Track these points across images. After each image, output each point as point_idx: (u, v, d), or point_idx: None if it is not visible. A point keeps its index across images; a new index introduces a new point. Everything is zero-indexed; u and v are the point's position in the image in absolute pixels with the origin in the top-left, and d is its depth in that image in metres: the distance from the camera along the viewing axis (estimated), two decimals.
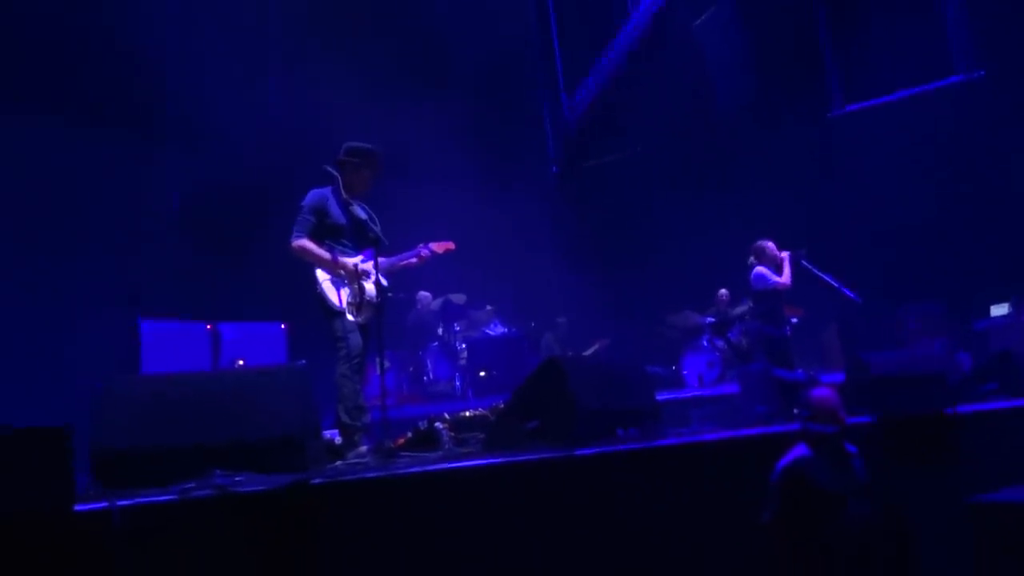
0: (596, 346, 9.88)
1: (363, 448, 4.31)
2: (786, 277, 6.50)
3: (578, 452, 3.55)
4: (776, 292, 6.55)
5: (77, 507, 2.50)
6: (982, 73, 9.58)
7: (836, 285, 6.84)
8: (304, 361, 3.92)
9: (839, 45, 10.69)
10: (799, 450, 3.36)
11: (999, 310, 9.03)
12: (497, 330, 9.54)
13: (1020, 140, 9.10)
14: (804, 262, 6.76)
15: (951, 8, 9.92)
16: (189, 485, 2.89)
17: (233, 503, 2.74)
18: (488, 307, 9.68)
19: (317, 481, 2.97)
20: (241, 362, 7.17)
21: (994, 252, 8.94)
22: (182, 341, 7.12)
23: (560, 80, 12.07)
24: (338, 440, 4.37)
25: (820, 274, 6.85)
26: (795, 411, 5.04)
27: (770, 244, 6.65)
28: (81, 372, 5.98)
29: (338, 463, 4.03)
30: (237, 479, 3.03)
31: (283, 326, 7.81)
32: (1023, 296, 8.79)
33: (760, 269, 6.56)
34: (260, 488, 2.82)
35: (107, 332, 7.03)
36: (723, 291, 9.33)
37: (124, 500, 2.61)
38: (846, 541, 3.22)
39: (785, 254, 6.58)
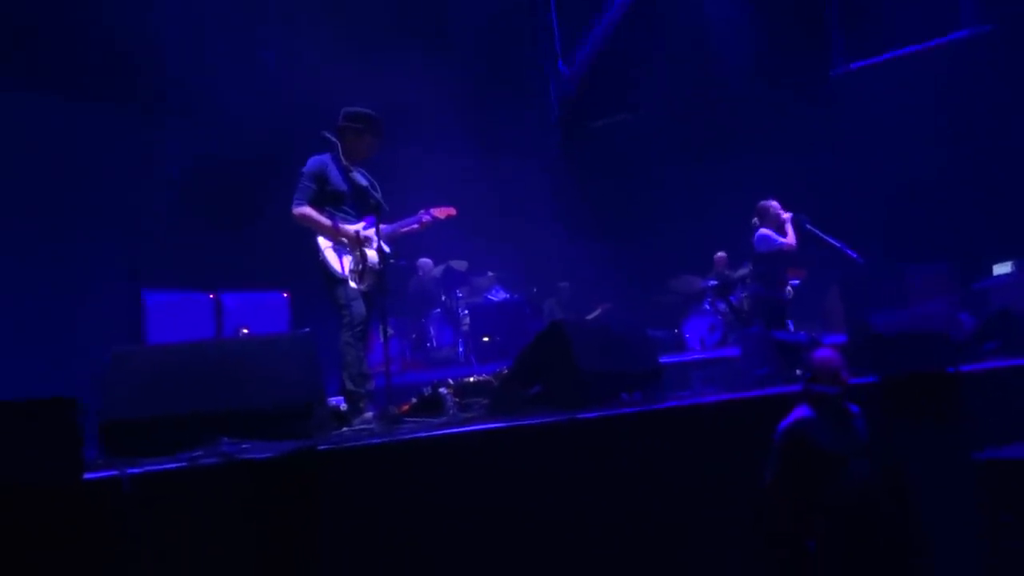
0: (599, 310, 9.90)
1: (368, 414, 4.35)
2: (791, 238, 6.50)
3: (581, 416, 3.58)
4: (780, 254, 6.56)
5: (87, 476, 2.53)
6: (989, 28, 9.40)
7: (839, 246, 6.83)
8: (308, 329, 3.93)
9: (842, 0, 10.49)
10: (801, 411, 3.38)
11: (1002, 269, 9.00)
12: (499, 296, 9.55)
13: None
14: (808, 225, 6.75)
15: None
16: (197, 453, 2.92)
17: (240, 470, 2.77)
18: (490, 273, 9.67)
19: (323, 448, 2.99)
20: (246, 331, 7.20)
21: (998, 211, 8.88)
22: (185, 311, 7.14)
23: (557, 45, 11.87)
24: (343, 407, 4.40)
25: (823, 236, 6.84)
26: (797, 372, 5.07)
27: (774, 204, 6.62)
28: (85, 344, 6.02)
29: (344, 430, 4.07)
30: (244, 446, 3.06)
31: (285, 295, 7.82)
32: None
33: (764, 231, 6.56)
34: (266, 455, 2.85)
35: (110, 304, 7.06)
36: (720, 254, 9.30)
37: (133, 468, 2.64)
38: (847, 501, 3.26)
39: (787, 215, 6.54)
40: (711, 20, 10.95)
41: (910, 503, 3.59)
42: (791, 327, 7.90)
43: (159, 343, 6.17)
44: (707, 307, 9.21)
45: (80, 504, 2.42)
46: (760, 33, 10.51)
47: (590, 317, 9.57)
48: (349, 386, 4.40)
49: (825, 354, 3.48)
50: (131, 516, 2.48)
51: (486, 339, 8.81)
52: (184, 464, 2.75)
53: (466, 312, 9.13)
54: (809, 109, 10.06)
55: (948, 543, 3.66)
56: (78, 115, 7.57)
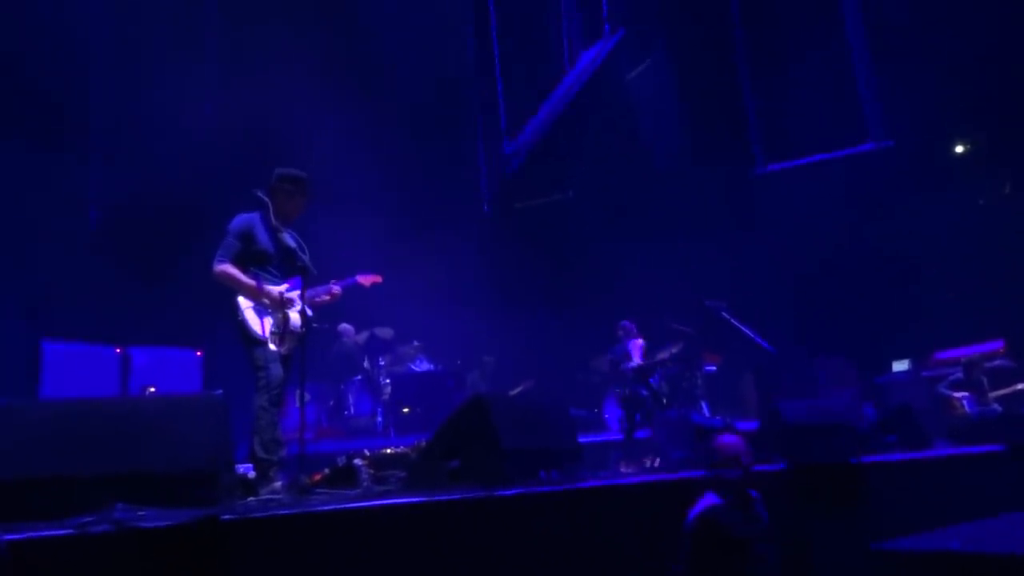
0: (521, 387, 9.88)
1: (277, 484, 4.16)
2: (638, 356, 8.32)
3: (500, 493, 3.53)
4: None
5: None
6: (892, 143, 10.29)
7: (752, 335, 7.17)
8: (221, 390, 3.78)
9: (763, 107, 11.33)
10: (709, 499, 3.43)
11: (900, 366, 9.56)
12: (422, 366, 9.43)
13: (923, 209, 9.78)
14: (724, 313, 7.09)
15: (863, 80, 10.68)
16: (87, 519, 2.71)
17: (135, 539, 2.58)
18: (415, 343, 9.57)
19: (227, 517, 2.84)
20: (152, 389, 6.83)
21: (897, 311, 9.50)
22: (88, 365, 6.74)
23: (503, 122, 12.28)
24: (252, 475, 4.20)
25: (738, 324, 7.17)
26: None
27: (632, 327, 8.50)
28: None
29: (250, 499, 3.88)
30: (140, 513, 2.87)
31: (199, 353, 7.50)
32: (921, 353, 9.35)
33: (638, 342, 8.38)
34: (164, 524, 2.68)
35: (4, 352, 6.60)
36: (639, 341, 9.52)
37: (12, 534, 2.43)
38: None
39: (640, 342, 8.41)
40: (644, 112, 11.57)
41: None
42: (706, 411, 8.12)
43: (54, 397, 5.79)
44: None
45: None
46: (687, 130, 11.18)
47: (512, 393, 9.54)
48: (260, 453, 4.22)
49: (728, 439, 3.57)
50: None
51: (406, 410, 8.64)
52: (71, 531, 2.55)
53: (388, 381, 8.96)
54: (730, 203, 10.65)
55: None
56: None
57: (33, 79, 7.35)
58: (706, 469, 3.55)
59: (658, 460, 6.09)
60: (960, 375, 8.49)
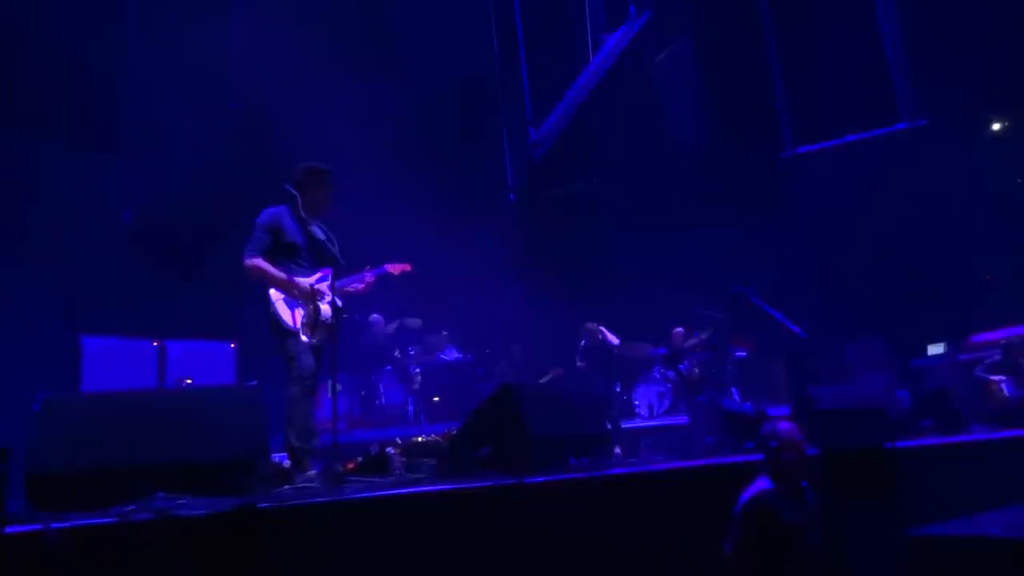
0: (551, 375, 9.90)
1: (312, 472, 4.23)
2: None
3: (529, 480, 3.56)
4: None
5: (9, 529, 2.41)
6: (925, 122, 10.05)
7: (783, 320, 7.09)
8: (255, 382, 3.85)
9: (791, 88, 11.12)
10: (761, 483, 3.42)
11: (935, 349, 9.38)
12: (452, 355, 9.48)
13: (957, 188, 9.56)
14: (753, 298, 7.02)
15: (894, 58, 10.44)
16: (129, 508, 2.80)
17: (174, 527, 2.66)
18: (444, 332, 9.63)
19: (263, 505, 2.90)
20: (189, 381, 6.98)
21: (932, 293, 9.31)
22: (126, 359, 6.89)
23: (528, 112, 12.25)
24: (287, 464, 4.28)
25: (767, 309, 7.10)
26: (749, 445, 5.14)
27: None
28: (17, 390, 5.75)
29: (286, 487, 3.95)
30: (179, 502, 2.95)
31: (232, 345, 7.63)
32: (958, 336, 9.17)
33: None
34: (202, 512, 2.75)
35: (46, 348, 6.78)
36: (678, 329, 9.47)
37: (59, 523, 2.51)
38: (804, 573, 3.29)
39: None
40: (669, 99, 11.45)
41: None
42: (736, 397, 8.06)
43: (95, 391, 5.94)
44: (656, 375, 9.30)
45: (1, 559, 2.28)
46: (714, 114, 11.03)
47: (542, 381, 9.56)
48: (294, 442, 4.29)
49: (788, 426, 3.55)
50: (55, 573, 2.35)
51: (437, 399, 8.71)
52: (114, 519, 2.63)
53: (418, 371, 9.03)
54: (758, 187, 10.50)
55: None
56: (27, 151, 7.42)
57: (65, 83, 7.51)
58: (765, 453, 3.52)
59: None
60: (998, 357, 8.29)
